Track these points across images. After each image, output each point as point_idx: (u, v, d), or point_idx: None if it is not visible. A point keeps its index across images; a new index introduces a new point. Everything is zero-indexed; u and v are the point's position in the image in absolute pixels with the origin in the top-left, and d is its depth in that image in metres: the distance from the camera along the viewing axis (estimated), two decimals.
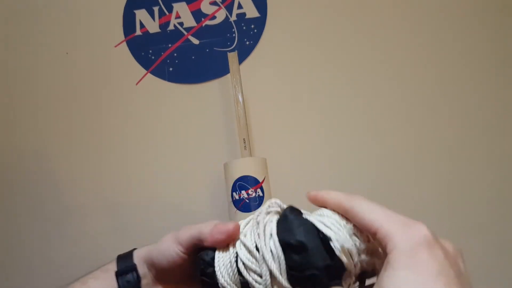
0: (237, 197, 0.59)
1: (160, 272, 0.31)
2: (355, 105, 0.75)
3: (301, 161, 0.74)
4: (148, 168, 0.77)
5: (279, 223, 0.26)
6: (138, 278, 0.32)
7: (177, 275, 0.32)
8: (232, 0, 0.80)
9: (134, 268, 0.32)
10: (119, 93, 0.80)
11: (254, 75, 0.76)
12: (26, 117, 0.81)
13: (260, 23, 0.79)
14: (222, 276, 0.27)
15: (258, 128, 0.75)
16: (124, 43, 0.82)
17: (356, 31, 0.77)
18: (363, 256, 0.25)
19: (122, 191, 0.76)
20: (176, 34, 0.81)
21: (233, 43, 0.79)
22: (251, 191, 0.59)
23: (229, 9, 0.80)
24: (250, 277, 0.26)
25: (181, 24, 0.81)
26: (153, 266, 0.32)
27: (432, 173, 0.71)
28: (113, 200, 0.76)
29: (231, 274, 0.27)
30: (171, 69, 0.80)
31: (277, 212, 0.29)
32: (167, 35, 0.81)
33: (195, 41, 0.80)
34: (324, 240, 0.24)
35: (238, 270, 0.27)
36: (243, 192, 0.59)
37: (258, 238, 0.26)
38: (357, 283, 0.26)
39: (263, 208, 0.29)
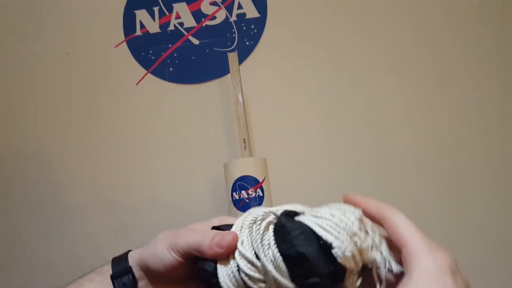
0: (237, 197, 0.59)
1: (156, 274, 0.31)
2: (355, 105, 0.75)
3: (301, 161, 0.74)
4: (148, 168, 0.77)
5: (277, 233, 0.26)
6: (134, 281, 0.32)
7: (173, 277, 0.32)
8: (232, 0, 0.80)
9: (129, 271, 0.32)
10: (119, 93, 0.80)
11: (254, 75, 0.77)
12: (26, 117, 0.81)
13: (260, 23, 0.79)
14: (228, 286, 0.27)
15: (258, 128, 0.75)
16: (124, 43, 0.82)
17: (356, 31, 0.77)
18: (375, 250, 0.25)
19: (122, 191, 0.76)
20: (176, 34, 0.81)
21: (233, 43, 0.79)
22: (251, 191, 0.59)
23: (229, 9, 0.80)
24: (255, 286, 0.26)
25: (181, 24, 0.81)
26: (148, 269, 0.32)
27: (432, 173, 0.71)
28: (113, 200, 0.76)
29: (235, 284, 0.27)
30: (171, 69, 0.80)
31: (271, 215, 0.28)
32: (167, 35, 0.81)
33: (195, 41, 0.80)
34: (325, 246, 0.24)
35: (242, 280, 0.27)
36: (243, 192, 0.59)
37: (256, 248, 0.26)
38: (360, 279, 0.26)
39: (256, 213, 0.29)
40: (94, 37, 0.83)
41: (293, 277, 0.25)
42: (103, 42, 0.82)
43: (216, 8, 0.80)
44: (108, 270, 0.33)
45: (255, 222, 0.28)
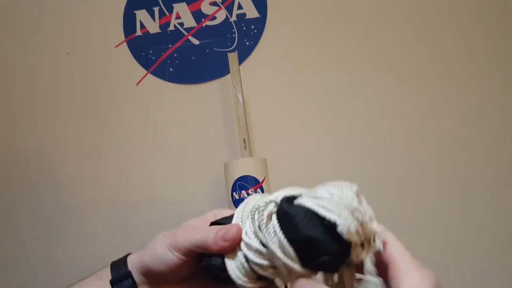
0: (237, 197, 0.59)
1: (159, 276, 0.31)
2: (355, 105, 0.75)
3: (301, 161, 0.74)
4: (148, 168, 0.77)
5: (281, 220, 0.26)
6: (135, 285, 0.32)
7: (177, 277, 0.31)
8: (232, 0, 0.80)
9: (129, 275, 0.32)
10: (119, 94, 0.80)
11: (254, 75, 0.77)
12: (26, 117, 0.81)
13: (260, 23, 0.79)
14: (239, 278, 0.27)
15: (258, 128, 0.75)
16: (125, 44, 0.82)
17: (356, 31, 0.77)
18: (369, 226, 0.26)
19: (122, 191, 0.76)
20: (177, 34, 0.81)
21: (233, 44, 0.79)
22: (251, 191, 0.59)
23: (229, 9, 0.80)
24: (266, 273, 0.27)
25: (181, 24, 0.81)
26: (150, 272, 0.31)
27: (432, 173, 0.71)
28: (113, 200, 0.76)
29: (246, 274, 0.28)
30: (171, 69, 0.80)
31: (271, 203, 0.28)
32: (168, 36, 0.81)
33: (195, 42, 0.80)
34: (329, 225, 0.25)
35: (252, 269, 0.27)
36: (243, 192, 0.59)
37: (262, 237, 0.27)
38: (364, 251, 0.26)
39: (255, 201, 0.29)
40: (94, 37, 0.83)
41: (301, 259, 0.25)
42: (103, 42, 0.82)
43: (216, 8, 0.81)
44: (107, 274, 0.33)
45: (257, 211, 0.28)
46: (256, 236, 0.27)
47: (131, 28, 0.82)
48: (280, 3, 0.79)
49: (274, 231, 0.26)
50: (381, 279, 0.25)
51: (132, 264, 0.32)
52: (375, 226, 0.26)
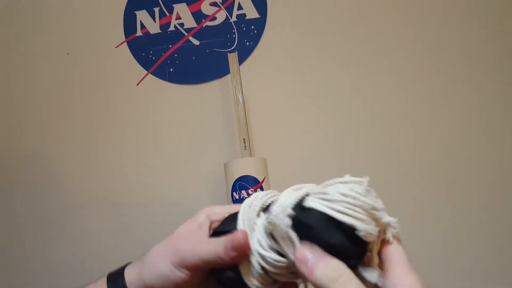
0: (237, 197, 0.59)
1: None
2: (355, 105, 0.75)
3: (301, 161, 0.74)
4: (149, 168, 0.77)
5: (299, 230, 0.25)
6: None
7: None
8: (232, 1, 0.80)
9: None
10: (119, 94, 0.80)
11: (254, 75, 0.77)
12: (26, 117, 0.82)
13: (260, 24, 0.79)
14: (258, 287, 0.27)
15: (258, 128, 0.75)
16: (125, 44, 0.82)
17: (356, 32, 0.77)
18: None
19: (122, 191, 0.76)
20: (177, 35, 0.81)
21: (233, 44, 0.79)
22: (251, 191, 0.59)
23: (229, 10, 0.80)
24: (286, 278, 0.27)
25: (181, 25, 0.81)
26: None
27: (432, 173, 0.71)
28: (113, 200, 0.76)
29: (264, 281, 0.27)
30: (171, 69, 0.80)
31: (283, 210, 0.27)
32: (168, 36, 0.81)
33: (196, 42, 0.81)
34: (348, 229, 0.24)
35: (270, 276, 0.27)
36: (243, 192, 0.59)
37: (280, 249, 0.26)
38: (380, 241, 0.26)
39: (257, 202, 0.29)
40: (95, 37, 0.83)
41: None
42: (103, 42, 0.82)
43: (216, 8, 0.81)
44: (103, 287, 0.31)
45: (268, 222, 0.27)
46: (273, 249, 0.27)
47: (131, 28, 0.82)
48: (280, 4, 0.79)
49: (293, 243, 0.25)
50: (380, 271, 0.25)
51: (131, 280, 0.31)
52: (387, 218, 0.26)
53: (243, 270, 0.28)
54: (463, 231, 0.68)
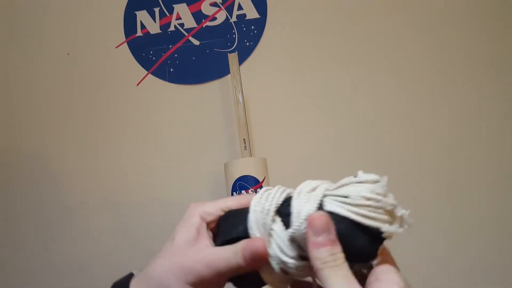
0: None
1: None
2: (355, 105, 0.75)
3: (301, 161, 0.74)
4: (149, 168, 0.77)
5: None
6: None
7: None
8: (232, 1, 0.80)
9: None
10: (120, 94, 0.80)
11: (254, 75, 0.77)
12: (26, 117, 0.82)
13: (260, 24, 0.79)
14: (280, 287, 0.27)
15: (258, 128, 0.76)
16: (125, 44, 0.82)
17: (356, 32, 0.77)
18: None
19: (122, 191, 0.76)
20: (177, 35, 0.81)
21: (233, 44, 0.79)
22: (251, 191, 0.59)
23: (229, 10, 0.80)
24: (306, 276, 0.27)
25: (181, 25, 0.81)
26: None
27: (432, 173, 0.71)
28: (113, 200, 0.76)
29: (284, 279, 0.27)
30: (171, 69, 0.80)
31: (301, 222, 0.26)
32: (168, 36, 0.81)
33: (196, 42, 0.81)
34: (372, 232, 0.25)
35: (292, 277, 0.27)
36: (243, 192, 0.59)
37: (304, 253, 0.26)
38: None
39: (268, 205, 0.27)
40: (95, 37, 0.83)
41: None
42: (103, 42, 0.82)
43: (216, 9, 0.81)
44: None
45: (289, 227, 0.26)
46: (295, 254, 0.26)
47: (131, 28, 0.82)
48: (280, 4, 0.79)
49: None
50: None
51: None
52: (401, 212, 0.26)
53: (263, 274, 0.27)
54: (463, 231, 0.68)
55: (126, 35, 0.82)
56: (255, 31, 0.79)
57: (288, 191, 0.29)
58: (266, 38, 0.79)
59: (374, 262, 0.25)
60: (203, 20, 0.81)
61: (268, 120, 0.76)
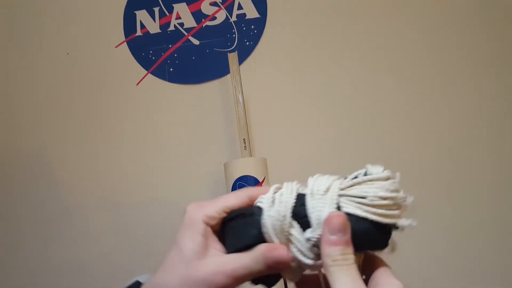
0: None
1: None
2: (355, 104, 0.75)
3: (301, 161, 0.74)
4: (149, 168, 0.77)
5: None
6: None
7: None
8: (232, 1, 0.80)
9: None
10: (119, 94, 0.80)
11: (254, 75, 0.77)
12: (26, 117, 0.82)
13: (260, 23, 0.79)
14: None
15: (258, 128, 0.75)
16: (125, 44, 0.82)
17: (356, 32, 0.77)
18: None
19: (122, 191, 0.76)
20: (177, 34, 0.81)
21: (233, 44, 0.79)
22: None
23: (229, 9, 0.80)
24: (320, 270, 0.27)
25: (181, 24, 0.81)
26: None
27: (432, 173, 0.71)
28: (113, 200, 0.76)
29: (300, 274, 0.28)
30: (171, 69, 0.80)
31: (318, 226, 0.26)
32: (168, 36, 0.81)
33: (196, 42, 0.80)
34: (388, 227, 0.25)
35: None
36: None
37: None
38: None
39: (281, 212, 0.26)
40: (95, 37, 0.83)
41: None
42: (103, 42, 0.82)
43: (216, 8, 0.81)
44: None
45: (310, 240, 0.26)
46: (316, 256, 0.26)
47: (131, 28, 0.82)
48: (280, 3, 0.79)
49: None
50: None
51: None
52: (408, 200, 0.26)
53: (286, 276, 0.28)
54: (463, 231, 0.68)
55: (126, 35, 0.82)
56: (255, 31, 0.79)
57: (296, 187, 0.29)
58: (266, 38, 0.79)
59: (385, 250, 0.26)
60: (203, 20, 0.81)
61: (268, 120, 0.76)
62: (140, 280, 0.30)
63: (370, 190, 0.26)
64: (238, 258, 0.27)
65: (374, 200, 0.25)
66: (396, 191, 0.26)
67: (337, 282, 0.23)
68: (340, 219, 0.24)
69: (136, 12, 0.82)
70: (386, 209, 0.25)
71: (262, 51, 0.79)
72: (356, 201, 0.26)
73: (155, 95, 0.80)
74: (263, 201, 0.28)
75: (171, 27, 0.81)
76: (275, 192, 0.29)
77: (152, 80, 0.80)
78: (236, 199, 0.29)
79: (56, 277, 0.74)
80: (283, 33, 0.79)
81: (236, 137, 0.67)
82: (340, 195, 0.26)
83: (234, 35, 0.80)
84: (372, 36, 0.77)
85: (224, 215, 0.29)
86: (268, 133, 0.76)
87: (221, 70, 0.78)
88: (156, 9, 0.82)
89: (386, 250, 0.26)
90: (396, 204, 0.26)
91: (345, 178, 0.28)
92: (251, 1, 0.80)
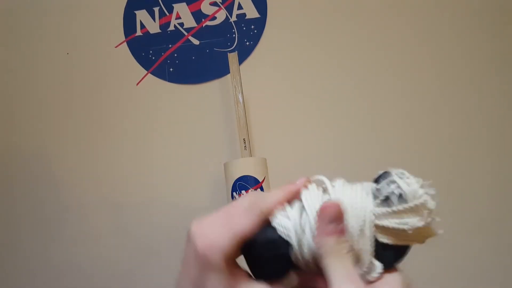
0: (237, 197, 0.59)
1: None
2: (355, 104, 0.75)
3: (301, 161, 0.74)
4: (149, 168, 0.77)
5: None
6: None
7: None
8: (232, 0, 0.80)
9: None
10: (119, 94, 0.80)
11: (254, 75, 0.77)
12: (26, 117, 0.82)
13: (260, 23, 0.79)
14: None
15: (258, 128, 0.75)
16: (125, 44, 0.82)
17: (356, 32, 0.77)
18: None
19: (122, 191, 0.76)
20: (177, 34, 0.81)
21: (233, 44, 0.79)
22: (251, 191, 0.59)
23: (229, 9, 0.80)
24: None
25: (181, 24, 0.81)
26: None
27: (432, 173, 0.71)
28: (113, 200, 0.76)
29: None
30: (171, 69, 0.80)
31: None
32: (168, 36, 0.81)
33: (196, 42, 0.80)
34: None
35: None
36: (243, 192, 0.59)
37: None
38: None
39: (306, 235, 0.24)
40: (95, 37, 0.83)
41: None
42: (103, 42, 0.82)
43: (216, 8, 0.81)
44: None
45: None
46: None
47: (131, 28, 0.82)
48: (280, 3, 0.79)
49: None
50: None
51: None
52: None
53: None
54: (463, 231, 0.68)
55: (126, 35, 0.82)
56: (255, 31, 0.79)
57: (319, 201, 0.25)
58: (266, 38, 0.79)
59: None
60: (203, 20, 0.81)
61: (268, 120, 0.76)
62: None
63: (410, 221, 0.24)
64: None
65: (411, 230, 0.24)
66: (433, 216, 0.25)
67: (332, 272, 0.23)
68: (334, 208, 0.24)
69: (136, 12, 0.82)
70: (416, 220, 0.24)
71: (262, 51, 0.78)
72: (390, 217, 0.24)
73: (155, 95, 0.80)
74: (288, 232, 0.25)
75: (171, 27, 0.81)
76: (289, 205, 0.26)
77: (152, 80, 0.80)
78: (250, 222, 0.25)
79: (56, 277, 0.74)
80: (283, 33, 0.79)
81: (236, 137, 0.67)
82: (376, 226, 0.24)
83: (234, 35, 0.79)
84: (372, 36, 0.77)
85: (240, 245, 0.25)
86: (268, 133, 0.76)
87: (221, 70, 0.78)
88: (156, 9, 0.82)
89: None
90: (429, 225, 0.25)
91: (375, 184, 0.26)
92: (251, 1, 0.80)
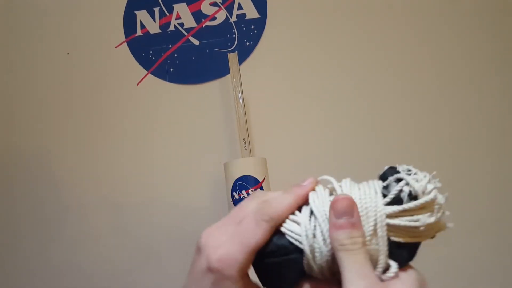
0: (237, 197, 0.59)
1: None
2: (355, 104, 0.75)
3: (301, 161, 0.74)
4: (149, 168, 0.77)
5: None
6: None
7: None
8: (232, 1, 0.80)
9: None
10: (119, 94, 0.80)
11: (254, 75, 0.77)
12: (26, 117, 0.82)
13: (260, 24, 0.79)
14: None
15: (258, 128, 0.75)
16: (125, 44, 0.82)
17: (356, 32, 0.77)
18: None
19: (122, 191, 0.76)
20: (177, 34, 0.81)
21: (233, 44, 0.79)
22: (251, 191, 0.59)
23: (229, 10, 0.80)
24: None
25: (181, 24, 0.81)
26: None
27: (432, 172, 0.71)
28: (113, 200, 0.76)
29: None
30: (171, 69, 0.80)
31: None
32: (168, 36, 0.81)
33: (196, 42, 0.81)
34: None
35: None
36: (243, 192, 0.59)
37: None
38: None
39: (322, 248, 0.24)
40: (95, 37, 0.83)
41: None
42: (103, 42, 0.82)
43: (216, 8, 0.81)
44: None
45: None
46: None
47: (131, 28, 0.82)
48: (280, 3, 0.79)
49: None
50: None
51: None
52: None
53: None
54: (463, 231, 0.68)
55: (126, 35, 0.82)
56: (255, 31, 0.79)
57: (328, 206, 0.25)
58: (266, 38, 0.79)
59: None
60: (203, 20, 0.81)
61: (268, 120, 0.76)
62: None
63: (421, 218, 0.24)
64: None
65: (423, 227, 0.24)
66: (443, 209, 0.25)
67: (345, 267, 0.22)
68: (346, 202, 0.23)
69: (136, 12, 0.83)
70: (424, 216, 0.24)
71: (262, 51, 0.79)
72: (406, 219, 0.24)
73: (155, 95, 0.80)
74: (299, 238, 0.24)
75: (171, 27, 0.81)
76: (299, 210, 0.25)
77: (152, 80, 0.80)
78: (263, 232, 0.24)
79: (56, 277, 0.74)
80: (283, 33, 0.79)
81: (236, 137, 0.67)
82: (387, 225, 0.24)
83: (234, 35, 0.80)
84: (372, 36, 0.77)
85: (253, 256, 0.24)
86: (268, 133, 0.76)
87: (221, 70, 0.78)
88: (156, 9, 0.82)
89: None
90: (437, 203, 0.25)
91: (383, 182, 0.25)
92: (251, 1, 0.80)
